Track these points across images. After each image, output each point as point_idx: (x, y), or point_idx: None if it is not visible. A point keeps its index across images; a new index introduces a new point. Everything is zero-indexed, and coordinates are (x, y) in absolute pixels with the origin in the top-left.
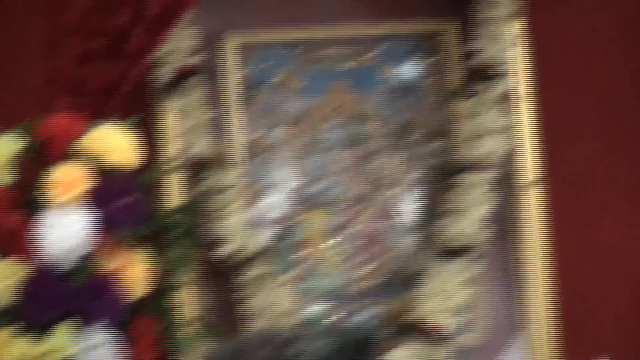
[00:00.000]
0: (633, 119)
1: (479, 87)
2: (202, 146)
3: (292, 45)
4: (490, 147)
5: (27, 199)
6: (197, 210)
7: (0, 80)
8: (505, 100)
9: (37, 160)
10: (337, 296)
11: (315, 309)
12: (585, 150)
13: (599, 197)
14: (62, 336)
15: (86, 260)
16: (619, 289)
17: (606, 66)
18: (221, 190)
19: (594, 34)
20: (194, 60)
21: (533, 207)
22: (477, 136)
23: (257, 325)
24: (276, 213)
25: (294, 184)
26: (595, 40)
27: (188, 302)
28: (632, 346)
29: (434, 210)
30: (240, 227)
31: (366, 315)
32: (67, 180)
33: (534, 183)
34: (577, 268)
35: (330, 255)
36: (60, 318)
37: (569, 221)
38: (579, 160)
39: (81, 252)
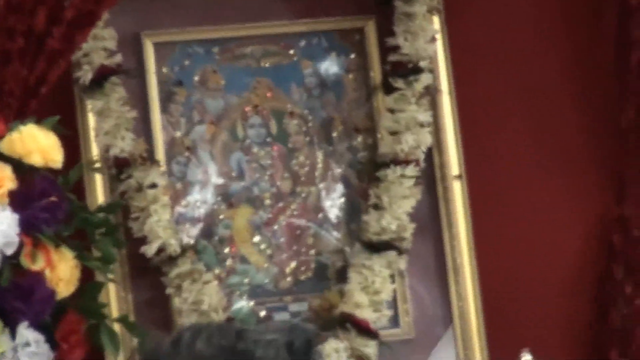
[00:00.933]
0: (553, 113)
1: (399, 82)
2: (124, 145)
3: (211, 43)
4: (412, 142)
5: None
6: (120, 209)
7: None
8: (427, 95)
9: None
10: (263, 292)
11: (242, 305)
12: (505, 146)
13: (521, 191)
14: None
15: (11, 260)
16: (542, 283)
17: (525, 60)
18: (145, 188)
19: (512, 28)
20: (113, 60)
21: (458, 201)
22: (399, 131)
23: (186, 321)
24: (200, 210)
25: (217, 181)
26: (513, 35)
27: (115, 299)
28: (553, 339)
29: (359, 205)
30: (165, 224)
31: (294, 310)
32: None
33: (458, 177)
34: (501, 263)
35: (256, 251)
36: None
37: (492, 214)
38: (500, 155)
39: (5, 252)
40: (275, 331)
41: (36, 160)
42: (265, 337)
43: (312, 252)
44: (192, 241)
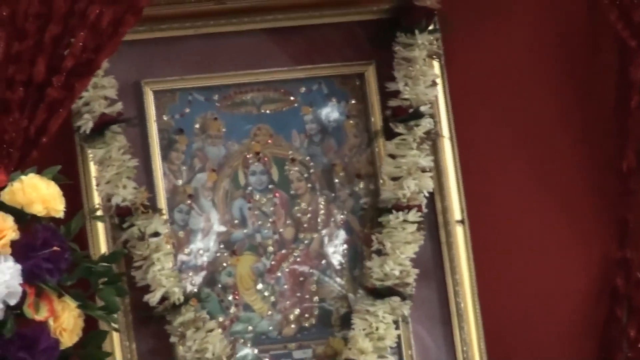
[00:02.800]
0: (554, 156)
1: (400, 127)
2: (125, 194)
3: (211, 90)
4: (414, 187)
5: None
6: (123, 258)
7: None
8: (428, 140)
9: None
10: (267, 339)
11: (247, 352)
12: (507, 190)
13: (523, 235)
14: None
15: (14, 311)
16: (546, 326)
17: (525, 103)
18: (147, 237)
19: (512, 72)
20: (114, 108)
21: (460, 246)
22: (401, 177)
23: None
24: (203, 258)
25: (220, 229)
26: (514, 78)
27: (119, 348)
28: None
29: (361, 251)
30: (168, 273)
31: (298, 357)
32: None
33: (460, 222)
34: (504, 307)
35: (259, 298)
36: None
37: (495, 258)
38: (502, 199)
39: (8, 302)
40: None
41: (38, 209)
42: None
43: (316, 298)
44: (195, 289)
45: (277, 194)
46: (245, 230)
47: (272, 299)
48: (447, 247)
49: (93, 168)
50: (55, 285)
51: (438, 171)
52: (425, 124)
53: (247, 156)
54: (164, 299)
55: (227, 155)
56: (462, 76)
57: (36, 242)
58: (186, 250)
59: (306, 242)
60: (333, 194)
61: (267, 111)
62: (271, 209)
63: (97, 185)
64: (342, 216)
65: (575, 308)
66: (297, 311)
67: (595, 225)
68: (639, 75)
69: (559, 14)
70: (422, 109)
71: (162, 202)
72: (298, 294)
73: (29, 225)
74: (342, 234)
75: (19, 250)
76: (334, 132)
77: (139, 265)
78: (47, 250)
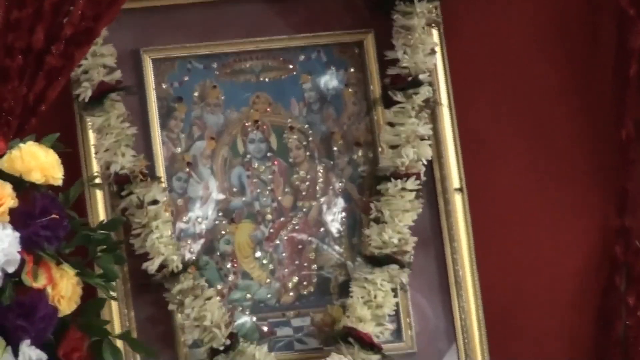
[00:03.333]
0: (553, 125)
1: (399, 95)
2: (124, 162)
3: (210, 58)
4: (413, 155)
5: None
6: (122, 226)
7: None
8: (426, 108)
9: None
10: (265, 307)
11: (245, 320)
12: (506, 159)
13: (522, 203)
14: None
15: (13, 278)
16: (544, 295)
17: (525, 72)
18: (146, 205)
19: (511, 40)
20: (112, 76)
21: (459, 214)
22: (400, 145)
23: (189, 337)
24: (202, 226)
25: (218, 197)
26: (513, 47)
27: (117, 316)
28: (556, 352)
29: (360, 219)
30: (167, 241)
31: (296, 325)
32: None
33: (459, 190)
34: (503, 275)
35: (258, 266)
36: None
37: (494, 226)
38: (501, 167)
39: (7, 270)
40: None
41: (36, 177)
42: None
43: (314, 266)
44: (193, 257)
45: (275, 162)
46: (243, 198)
47: (271, 266)
48: (446, 215)
49: (92, 136)
50: (54, 253)
51: (437, 139)
52: (424, 92)
53: (246, 124)
54: (162, 266)
55: (225, 123)
56: (461, 44)
57: (34, 209)
58: (185, 218)
59: (305, 210)
60: (332, 162)
61: (266, 79)
62: (270, 177)
63: (96, 153)
64: (340, 184)
65: (573, 276)
66: (295, 279)
67: (594, 194)
68: (637, 44)
69: None
70: (421, 77)
71: (161, 170)
72: (296, 262)
73: (27, 193)
74: (340, 202)
75: (17, 218)
76: (333, 100)
77: (138, 233)
78: (46, 218)
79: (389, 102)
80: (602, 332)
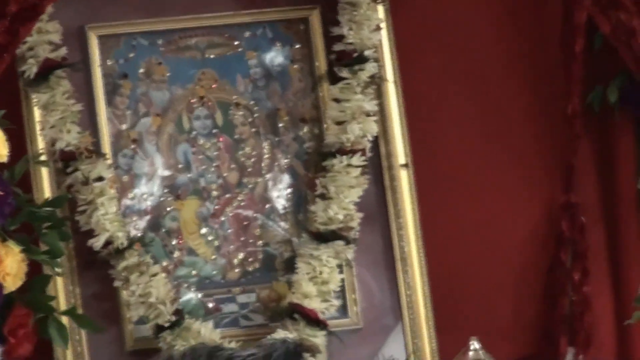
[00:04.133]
0: (500, 101)
1: (345, 72)
2: (70, 138)
3: (155, 35)
4: (358, 131)
5: None
6: (67, 202)
7: None
8: (372, 84)
9: None
10: (211, 284)
11: (191, 296)
12: (452, 134)
13: (468, 179)
14: None
15: None
16: (491, 271)
17: (471, 48)
18: (91, 181)
19: (457, 17)
20: (58, 53)
21: (405, 190)
22: (345, 121)
23: (134, 314)
24: (147, 203)
25: (164, 173)
26: (459, 23)
27: (63, 293)
28: (502, 327)
29: (305, 195)
30: (112, 217)
31: (242, 301)
32: None
33: (404, 166)
34: (449, 251)
35: (203, 243)
36: None
37: (440, 202)
38: (447, 143)
39: None
40: (257, 347)
41: None
42: (240, 354)
43: (260, 243)
44: (139, 234)
45: (221, 139)
46: (189, 175)
47: (216, 243)
48: (392, 191)
49: (37, 113)
50: None
51: (382, 115)
52: (370, 68)
53: (192, 101)
54: (107, 243)
55: (171, 100)
56: (407, 21)
57: None
58: (130, 195)
59: (250, 186)
60: (277, 139)
61: (212, 56)
62: (215, 153)
63: (42, 129)
64: (286, 160)
65: (520, 252)
66: (241, 255)
67: (541, 170)
68: (582, 19)
69: None
70: (367, 53)
71: (107, 147)
72: (242, 238)
73: None
74: (286, 179)
75: None
76: (279, 77)
77: (83, 210)
78: None
79: (334, 79)
80: (548, 307)
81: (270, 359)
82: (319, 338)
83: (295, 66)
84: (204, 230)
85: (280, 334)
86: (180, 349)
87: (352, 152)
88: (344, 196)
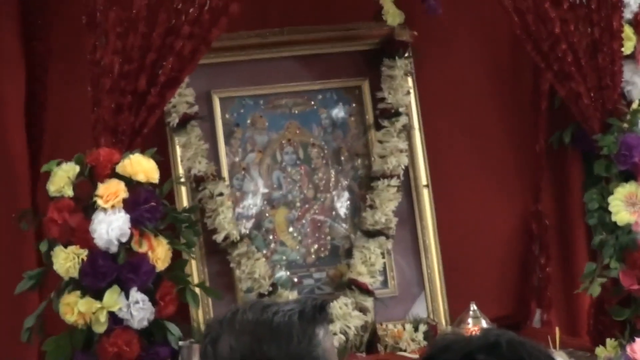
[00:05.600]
0: (491, 142)
1: (385, 122)
2: (200, 167)
3: (258, 97)
4: (395, 162)
5: (83, 205)
6: (198, 210)
7: (62, 126)
8: (404, 130)
9: (89, 179)
10: (296, 265)
11: (282, 274)
12: (458, 164)
13: (470, 194)
14: (111, 297)
15: (125, 246)
16: (484, 257)
17: (472, 107)
18: (215, 196)
19: (463, 85)
20: (192, 109)
21: (426, 202)
22: (386, 155)
23: (244, 286)
24: (252, 211)
25: (264, 191)
26: (464, 89)
27: (196, 271)
28: (492, 295)
29: (359, 206)
30: (229, 220)
31: (316, 277)
32: (109, 192)
33: (426, 186)
34: (456, 244)
35: (290, 238)
36: (109, 285)
37: (450, 210)
38: (455, 171)
39: (121, 240)
40: (292, 302)
41: (141, 178)
42: (282, 308)
43: (328, 238)
44: (247, 232)
45: (302, 168)
46: (281, 192)
47: (299, 238)
48: (417, 202)
49: (178, 149)
50: (153, 229)
51: (411, 151)
52: (402, 120)
53: (282, 142)
54: (226, 238)
55: (269, 141)
56: (428, 87)
57: (139, 199)
58: (241, 205)
59: (322, 200)
60: (340, 167)
61: (296, 111)
62: (298, 177)
63: (181, 161)
64: (346, 182)
65: (504, 244)
66: (315, 246)
67: (519, 188)
68: (546, 87)
69: (494, 45)
70: (400, 110)
71: (225, 173)
72: (316, 235)
73: (134, 188)
74: (346, 194)
75: (128, 205)
76: (341, 126)
77: (209, 215)
78: (147, 205)
79: (378, 127)
80: (523, 281)
81: (304, 312)
82: (368, 302)
83: (352, 118)
84: (290, 229)
85: (342, 299)
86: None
87: (391, 176)
88: (385, 206)
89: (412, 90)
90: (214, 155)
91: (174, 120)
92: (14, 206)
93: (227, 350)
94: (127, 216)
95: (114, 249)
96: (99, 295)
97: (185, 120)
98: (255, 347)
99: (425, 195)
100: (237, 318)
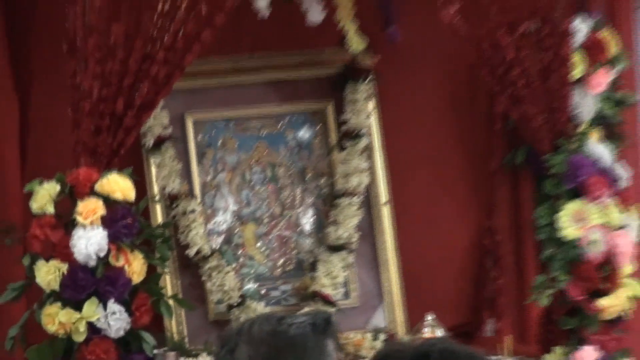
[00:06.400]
0: (448, 163)
1: (348, 143)
2: (174, 186)
3: (229, 120)
4: (357, 181)
5: (64, 222)
6: (172, 226)
7: (45, 148)
8: (365, 151)
9: (69, 198)
10: (263, 278)
11: (250, 286)
12: (417, 182)
13: (428, 210)
14: (90, 308)
15: (103, 260)
16: (441, 269)
17: (432, 128)
18: (187, 213)
19: (423, 109)
20: (167, 131)
21: (385, 218)
22: (349, 174)
23: (214, 298)
24: (223, 226)
25: (233, 208)
26: (424, 113)
27: (169, 284)
28: (448, 305)
29: (323, 222)
30: (201, 236)
31: (283, 289)
32: (88, 209)
33: (385, 204)
34: (414, 257)
35: (259, 252)
36: (88, 296)
37: (409, 225)
38: (414, 188)
39: (100, 254)
40: (304, 315)
41: (118, 196)
42: (296, 320)
43: (294, 252)
44: (217, 247)
45: (270, 186)
46: (250, 209)
47: (267, 252)
48: (378, 219)
49: (153, 169)
50: (129, 244)
51: (372, 171)
52: (364, 141)
53: (251, 162)
54: (197, 252)
55: (238, 161)
56: (389, 110)
57: (117, 216)
58: (212, 221)
59: (288, 216)
60: (305, 186)
61: (264, 133)
62: (266, 195)
63: (156, 180)
64: (311, 200)
65: (460, 258)
66: (282, 260)
67: (474, 205)
68: (500, 110)
69: (451, 70)
70: (362, 131)
71: (197, 191)
72: (283, 249)
73: (112, 206)
74: (311, 211)
75: (105, 222)
76: (306, 147)
77: (182, 231)
78: (124, 222)
79: (341, 147)
80: (476, 293)
81: (316, 325)
82: (331, 312)
83: (317, 140)
84: (258, 244)
85: (306, 309)
86: (252, 317)
87: (353, 194)
88: (348, 222)
89: (373, 113)
90: (187, 175)
91: (149, 141)
92: (6, 221)
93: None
94: (105, 232)
95: (92, 263)
96: (78, 307)
97: (160, 142)
98: (273, 356)
99: (385, 212)
100: (255, 329)
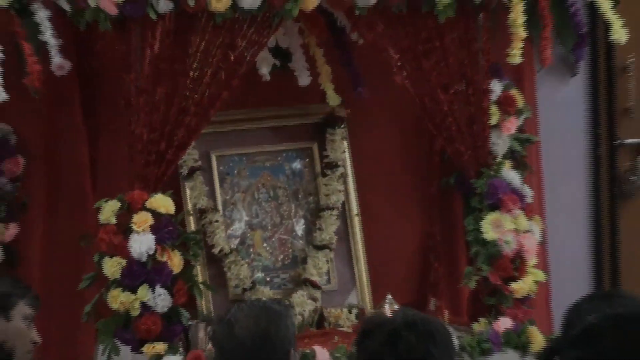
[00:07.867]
0: (403, 186)
1: (329, 172)
2: (202, 203)
3: (242, 155)
4: (335, 199)
5: (123, 229)
6: (201, 232)
7: (109, 177)
8: (342, 177)
9: (126, 212)
10: (268, 269)
11: (258, 275)
12: (379, 199)
13: (388, 220)
14: (142, 292)
15: (152, 257)
16: (397, 264)
17: (392, 159)
18: (212, 222)
19: (383, 144)
20: (197, 163)
21: (357, 226)
22: (329, 194)
23: (232, 284)
24: (238, 232)
25: (246, 218)
26: (384, 147)
27: (200, 274)
28: (402, 289)
29: (312, 228)
30: (223, 239)
31: (283, 277)
32: (141, 220)
33: (356, 214)
34: (378, 254)
35: (264, 250)
36: (141, 283)
37: (374, 231)
38: (379, 204)
39: (149, 253)
40: (270, 299)
41: (162, 210)
42: (267, 301)
43: (290, 250)
44: (235, 247)
45: (272, 203)
46: (258, 219)
47: (270, 250)
48: (351, 226)
49: (188, 191)
50: (170, 245)
51: (346, 191)
52: (340, 170)
53: (258, 186)
54: (220, 250)
55: (249, 185)
56: (358, 147)
57: (161, 225)
58: (230, 229)
59: (286, 224)
60: (298, 202)
61: (268, 165)
62: (269, 209)
63: (190, 199)
64: (302, 212)
65: (410, 253)
66: (281, 256)
67: (420, 216)
68: (439, 146)
69: (404, 118)
70: (339, 163)
71: (220, 206)
72: (282, 248)
73: (158, 218)
74: (302, 221)
75: (153, 229)
76: (298, 174)
77: (209, 235)
78: (167, 229)
79: (324, 175)
80: (422, 279)
81: (279, 302)
82: (317, 294)
83: (306, 169)
84: (264, 245)
85: (299, 292)
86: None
87: (332, 208)
88: (329, 229)
89: (347, 150)
90: (212, 195)
91: (184, 171)
92: (85, 230)
93: (245, 327)
94: (153, 237)
95: (144, 259)
96: (134, 290)
97: (192, 171)
98: (257, 314)
99: (356, 222)
100: (241, 306)
